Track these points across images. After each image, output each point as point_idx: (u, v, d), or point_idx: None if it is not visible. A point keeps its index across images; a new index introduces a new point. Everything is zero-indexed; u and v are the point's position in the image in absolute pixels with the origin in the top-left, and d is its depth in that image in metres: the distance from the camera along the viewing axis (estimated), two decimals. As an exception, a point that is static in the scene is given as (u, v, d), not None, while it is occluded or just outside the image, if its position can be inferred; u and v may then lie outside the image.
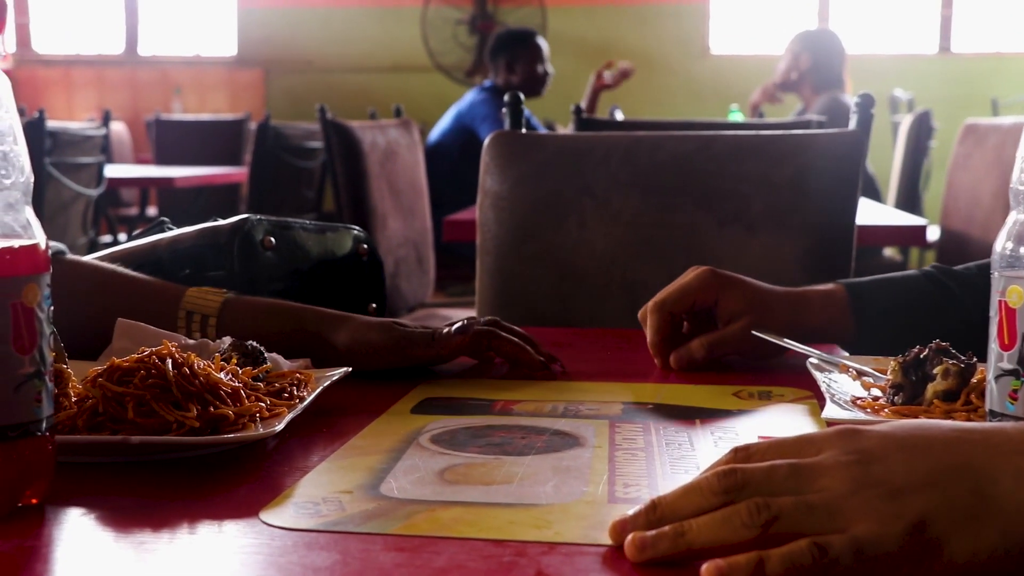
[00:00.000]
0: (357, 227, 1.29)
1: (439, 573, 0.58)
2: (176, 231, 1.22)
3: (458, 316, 1.08)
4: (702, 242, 1.66)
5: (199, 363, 0.82)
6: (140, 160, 6.90)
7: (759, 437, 0.85)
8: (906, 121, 4.55)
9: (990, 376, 0.75)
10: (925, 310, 1.14)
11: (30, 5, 8.01)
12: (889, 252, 4.21)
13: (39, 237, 0.66)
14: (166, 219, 1.29)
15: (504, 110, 1.99)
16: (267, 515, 0.66)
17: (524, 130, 1.93)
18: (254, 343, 0.93)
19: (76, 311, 1.04)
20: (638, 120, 3.78)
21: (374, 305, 1.28)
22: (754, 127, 3.10)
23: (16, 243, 0.64)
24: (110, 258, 1.16)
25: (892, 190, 4.58)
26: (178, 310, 1.06)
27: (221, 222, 1.20)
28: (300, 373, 0.92)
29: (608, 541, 0.61)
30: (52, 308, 0.67)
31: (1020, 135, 0.77)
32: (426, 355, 1.05)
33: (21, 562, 0.59)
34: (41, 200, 3.89)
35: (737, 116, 4.89)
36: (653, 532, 0.59)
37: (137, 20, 7.99)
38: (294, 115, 6.83)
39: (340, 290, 1.25)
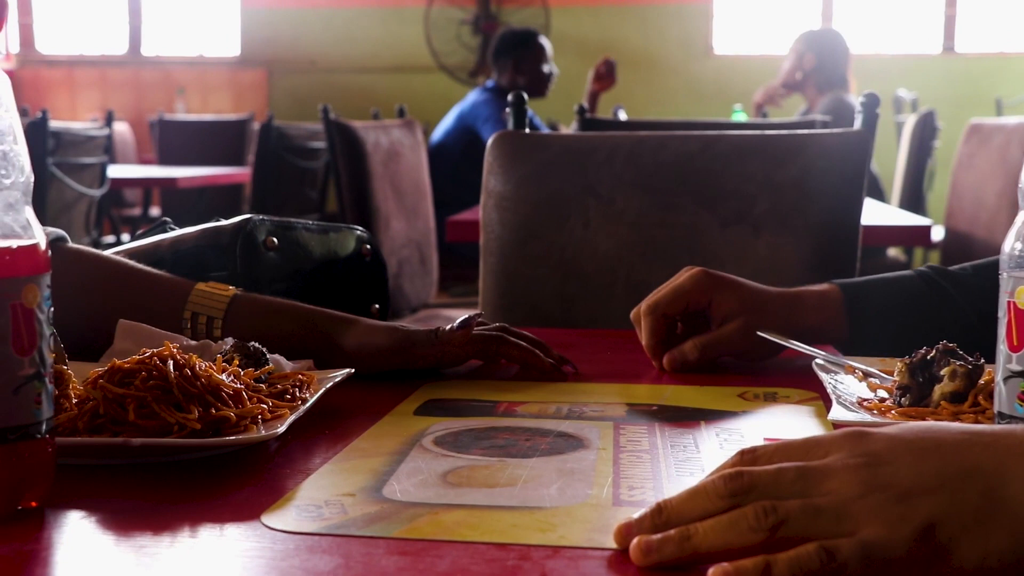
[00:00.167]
0: (360, 227, 1.29)
1: (442, 577, 0.57)
2: (178, 231, 1.21)
3: (461, 316, 1.08)
4: (706, 242, 1.65)
5: (201, 365, 0.81)
6: (143, 160, 6.91)
7: (765, 439, 0.85)
8: (910, 121, 4.54)
9: (999, 378, 0.74)
10: (920, 310, 1.14)
11: (34, 5, 8.02)
12: (893, 252, 4.20)
13: (39, 237, 0.65)
14: (168, 219, 1.28)
15: (507, 110, 1.99)
16: (269, 518, 0.65)
17: (527, 130, 1.93)
18: (256, 344, 0.93)
19: (83, 302, 1.04)
20: (641, 120, 3.77)
21: (377, 306, 1.27)
22: (758, 127, 3.09)
23: (16, 243, 0.64)
24: (112, 259, 1.16)
25: (896, 190, 4.57)
26: (184, 309, 1.05)
27: (223, 222, 1.19)
28: (302, 374, 0.92)
29: (613, 545, 0.61)
30: (52, 309, 0.66)
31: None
32: (431, 354, 1.05)
33: (20, 566, 0.59)
34: (44, 200, 3.89)
35: (741, 116, 4.89)
36: (659, 536, 0.58)
37: (140, 20, 7.99)
38: (297, 115, 6.84)
39: (343, 291, 1.24)
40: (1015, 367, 0.73)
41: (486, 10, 7.58)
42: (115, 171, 4.92)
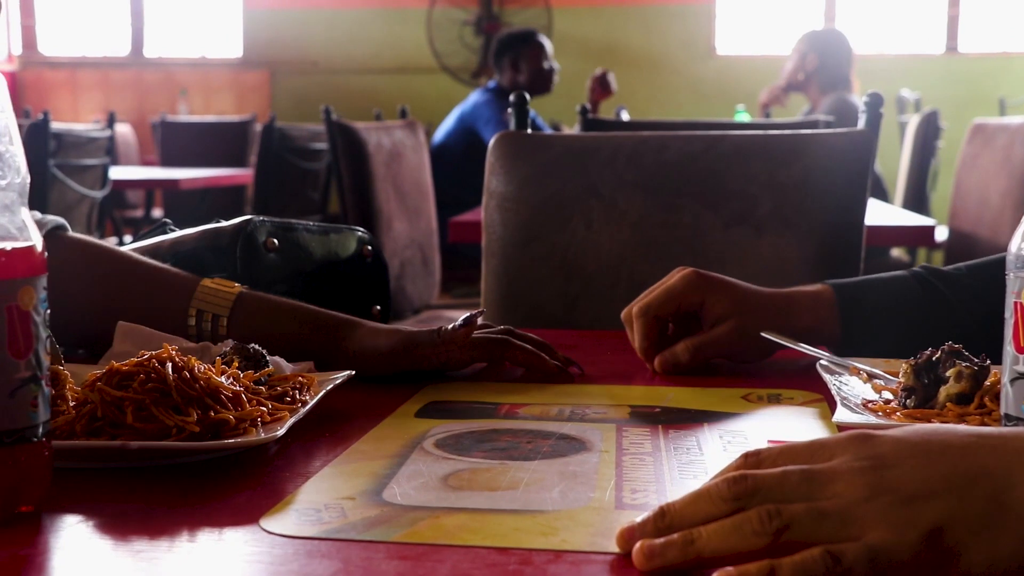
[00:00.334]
0: (361, 228, 1.28)
1: (443, 582, 0.57)
2: (178, 233, 1.21)
3: (463, 316, 1.07)
4: (708, 243, 1.64)
5: (199, 367, 0.80)
6: (145, 162, 6.91)
7: (769, 441, 0.84)
8: (913, 121, 4.53)
9: (1005, 379, 0.74)
10: (913, 310, 1.13)
11: (36, 7, 8.02)
12: (897, 252, 4.19)
13: (35, 239, 0.65)
14: (168, 221, 1.28)
15: (509, 111, 1.98)
16: (268, 522, 0.65)
17: (529, 130, 1.92)
18: (256, 346, 0.92)
19: (87, 293, 1.03)
20: (644, 120, 3.77)
21: (378, 307, 1.27)
22: (761, 127, 3.08)
23: (11, 245, 0.63)
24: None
25: (899, 190, 4.56)
26: (189, 306, 1.04)
27: (223, 224, 1.19)
28: (302, 376, 0.91)
29: (616, 549, 0.60)
30: (48, 311, 0.66)
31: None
32: (434, 354, 1.04)
33: (17, 571, 0.58)
34: (46, 202, 3.89)
35: (743, 116, 4.88)
36: (662, 540, 0.58)
37: (143, 22, 7.99)
38: (299, 116, 6.84)
39: (344, 292, 1.24)
40: (1022, 368, 0.72)
41: (488, 11, 7.58)
42: (117, 172, 4.92)
